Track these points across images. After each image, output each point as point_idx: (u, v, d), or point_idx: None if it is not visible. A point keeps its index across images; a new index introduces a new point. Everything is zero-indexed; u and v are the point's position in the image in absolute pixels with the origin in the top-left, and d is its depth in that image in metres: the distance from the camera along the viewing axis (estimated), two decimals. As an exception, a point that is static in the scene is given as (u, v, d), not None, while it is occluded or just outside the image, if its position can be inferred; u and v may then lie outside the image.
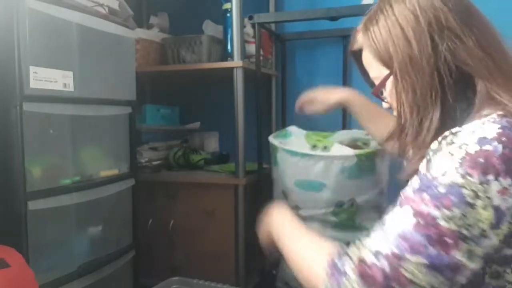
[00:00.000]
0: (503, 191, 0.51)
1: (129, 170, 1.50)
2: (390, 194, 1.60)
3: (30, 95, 1.09)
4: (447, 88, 0.63)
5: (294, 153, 1.51)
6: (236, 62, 1.63)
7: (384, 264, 0.54)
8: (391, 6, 0.67)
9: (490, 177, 0.51)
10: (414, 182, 0.59)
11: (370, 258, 0.56)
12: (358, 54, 0.79)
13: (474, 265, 0.53)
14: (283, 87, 2.07)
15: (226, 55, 1.83)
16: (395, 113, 0.72)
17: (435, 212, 0.53)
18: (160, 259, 1.79)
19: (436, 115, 0.63)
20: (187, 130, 2.11)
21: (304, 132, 1.69)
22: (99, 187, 1.33)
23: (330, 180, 1.46)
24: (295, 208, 1.54)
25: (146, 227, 1.74)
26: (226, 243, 1.69)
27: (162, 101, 2.15)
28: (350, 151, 1.47)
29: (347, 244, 0.62)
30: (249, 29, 1.81)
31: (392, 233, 0.56)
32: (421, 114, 0.64)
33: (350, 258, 0.58)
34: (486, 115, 0.60)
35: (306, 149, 1.53)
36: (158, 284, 1.34)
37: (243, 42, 1.71)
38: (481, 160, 0.52)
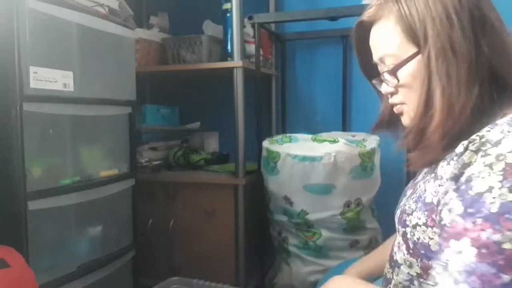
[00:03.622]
0: None
1: (129, 170, 1.50)
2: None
3: (30, 95, 1.09)
4: (478, 81, 0.59)
5: (303, 158, 1.50)
6: (236, 62, 1.63)
7: None
8: None
9: None
10: (454, 203, 0.54)
11: None
12: (364, 26, 0.71)
13: None
14: (283, 87, 2.07)
15: (226, 55, 1.82)
16: (394, 99, 0.68)
17: (497, 237, 0.49)
18: (160, 259, 1.79)
19: (470, 104, 0.59)
20: (187, 130, 2.11)
21: (308, 136, 1.66)
22: (99, 187, 1.33)
23: (339, 181, 1.49)
24: (302, 213, 1.55)
25: (146, 227, 1.74)
26: (226, 243, 1.69)
27: (162, 101, 2.15)
28: (355, 150, 1.49)
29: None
30: (249, 29, 1.81)
31: (459, 272, 0.51)
32: (454, 100, 0.59)
33: None
34: (505, 114, 0.57)
35: (311, 152, 1.52)
36: (158, 284, 1.34)
37: (243, 42, 1.71)
38: None
